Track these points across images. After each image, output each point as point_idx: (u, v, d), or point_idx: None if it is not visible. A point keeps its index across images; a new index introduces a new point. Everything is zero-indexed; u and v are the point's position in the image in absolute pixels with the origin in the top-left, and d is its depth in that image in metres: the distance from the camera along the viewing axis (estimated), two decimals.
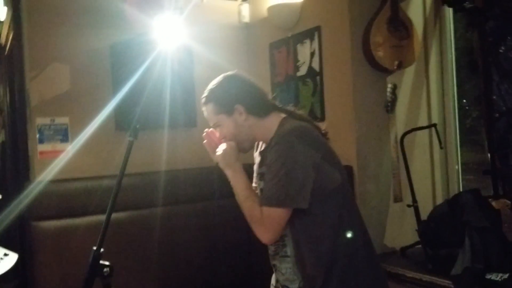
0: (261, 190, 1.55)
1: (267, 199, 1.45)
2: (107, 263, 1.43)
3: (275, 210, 1.44)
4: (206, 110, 1.63)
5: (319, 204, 1.46)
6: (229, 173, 1.58)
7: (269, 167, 1.47)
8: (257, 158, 1.70)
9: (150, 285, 2.80)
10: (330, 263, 1.48)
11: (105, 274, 1.42)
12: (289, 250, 1.52)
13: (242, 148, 1.62)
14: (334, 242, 1.49)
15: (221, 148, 1.61)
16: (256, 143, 1.71)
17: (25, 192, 2.56)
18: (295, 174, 1.42)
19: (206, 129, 1.68)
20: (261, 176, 1.60)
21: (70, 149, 2.71)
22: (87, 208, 2.65)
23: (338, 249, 1.49)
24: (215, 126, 1.63)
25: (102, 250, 1.43)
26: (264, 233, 1.48)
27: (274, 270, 1.64)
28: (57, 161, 2.67)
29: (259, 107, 1.60)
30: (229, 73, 1.67)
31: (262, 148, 1.66)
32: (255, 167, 1.68)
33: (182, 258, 2.86)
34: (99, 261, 1.42)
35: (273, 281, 1.68)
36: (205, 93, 1.63)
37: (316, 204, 1.45)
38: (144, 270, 2.78)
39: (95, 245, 1.44)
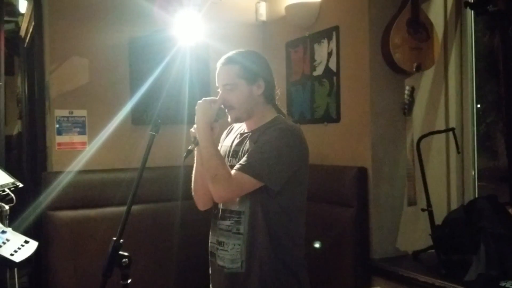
0: (231, 166, 1.62)
1: (249, 167, 1.56)
2: (126, 254, 1.44)
3: (249, 179, 1.55)
4: (226, 70, 1.66)
5: (287, 196, 1.61)
6: (204, 128, 1.63)
7: (264, 144, 1.59)
8: (234, 138, 1.77)
9: (167, 277, 2.82)
10: (277, 257, 1.60)
11: (124, 264, 1.43)
12: (242, 228, 1.61)
13: (236, 117, 1.70)
14: (288, 239, 1.62)
15: (208, 104, 1.65)
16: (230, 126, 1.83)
17: (43, 182, 2.60)
18: (283, 160, 1.57)
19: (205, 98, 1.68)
20: (234, 153, 1.70)
21: (87, 141, 2.75)
22: (103, 200, 2.69)
23: (288, 251, 1.63)
24: (227, 87, 1.66)
25: (121, 241, 1.44)
26: (224, 192, 1.58)
27: (215, 248, 1.69)
28: (74, 153, 2.71)
29: (271, 94, 1.73)
30: (254, 50, 1.77)
31: (244, 131, 1.75)
32: (228, 145, 1.77)
33: (200, 251, 2.86)
34: (118, 251, 1.43)
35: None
36: (229, 54, 1.68)
37: (285, 194, 1.60)
38: (162, 262, 2.80)
39: (111, 236, 1.45)
